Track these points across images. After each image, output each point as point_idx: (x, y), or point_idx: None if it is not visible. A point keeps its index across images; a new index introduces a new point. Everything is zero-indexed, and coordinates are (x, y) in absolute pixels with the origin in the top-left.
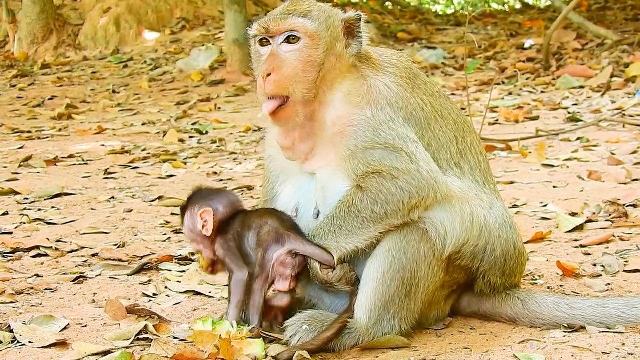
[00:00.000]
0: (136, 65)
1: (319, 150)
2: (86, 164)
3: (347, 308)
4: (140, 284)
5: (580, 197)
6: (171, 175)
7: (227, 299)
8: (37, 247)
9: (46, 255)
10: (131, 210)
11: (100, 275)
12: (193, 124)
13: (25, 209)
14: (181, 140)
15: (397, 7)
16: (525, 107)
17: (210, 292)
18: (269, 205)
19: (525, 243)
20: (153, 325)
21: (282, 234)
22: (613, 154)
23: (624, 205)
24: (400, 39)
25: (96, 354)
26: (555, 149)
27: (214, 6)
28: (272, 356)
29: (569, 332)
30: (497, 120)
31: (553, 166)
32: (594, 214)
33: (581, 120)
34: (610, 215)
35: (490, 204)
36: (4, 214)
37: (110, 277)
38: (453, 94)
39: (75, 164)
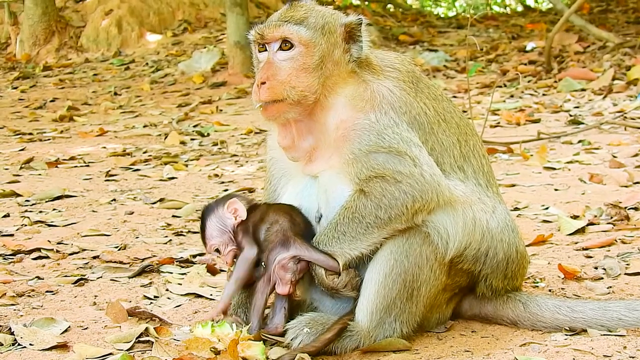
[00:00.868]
0: (138, 67)
1: (321, 153)
2: (87, 166)
3: (349, 310)
4: (141, 286)
5: (582, 199)
6: (172, 178)
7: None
8: (38, 249)
9: (47, 257)
10: (132, 213)
11: (101, 277)
12: (194, 126)
13: (26, 211)
14: (182, 143)
15: (398, 10)
16: (527, 109)
17: (211, 295)
18: None
19: (526, 246)
20: (154, 328)
21: (289, 238)
22: (614, 156)
23: (626, 207)
24: (401, 41)
25: (97, 357)
26: (557, 151)
27: (216, 8)
28: (272, 359)
29: (570, 335)
30: (498, 122)
31: (554, 169)
32: (596, 216)
33: (583, 123)
34: (611, 218)
35: (493, 208)
36: (5, 216)
37: (111, 280)
38: (455, 97)
39: (76, 166)
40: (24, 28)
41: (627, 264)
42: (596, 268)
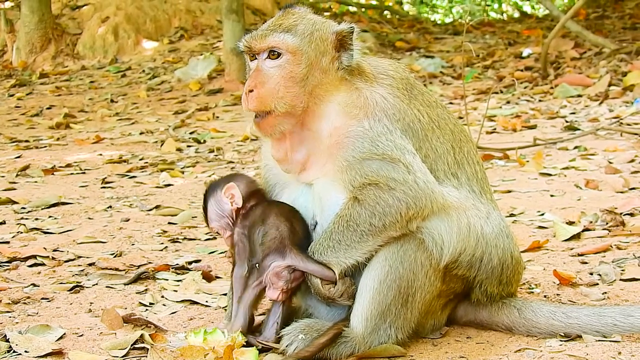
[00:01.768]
0: (134, 74)
1: (315, 161)
2: (84, 173)
3: (344, 316)
4: (136, 293)
5: (578, 205)
6: (169, 185)
7: (225, 308)
8: (34, 257)
9: (43, 264)
10: (128, 220)
11: (96, 284)
12: (191, 133)
13: (22, 218)
14: (179, 150)
15: (395, 16)
16: (523, 115)
17: (206, 302)
18: None
19: (522, 252)
20: (149, 335)
21: (285, 247)
22: (610, 162)
23: (621, 213)
24: (398, 47)
25: None
26: (553, 157)
27: (212, 15)
28: None
29: (565, 341)
30: (494, 129)
31: (550, 175)
32: (591, 222)
33: (579, 129)
34: (607, 223)
35: (487, 214)
36: (1, 223)
37: (106, 287)
38: (451, 103)
39: (72, 173)
40: (20, 35)
41: (623, 270)
42: (591, 274)
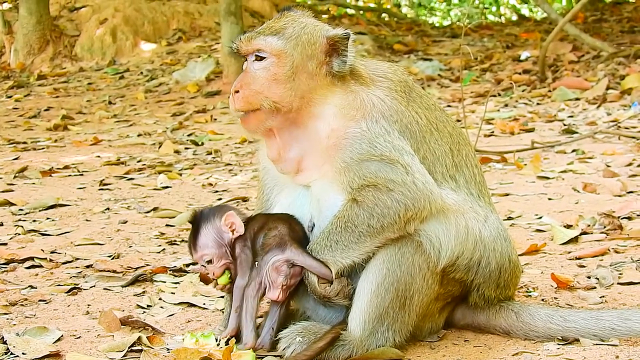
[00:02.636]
0: (132, 76)
1: (312, 162)
2: (81, 175)
3: (342, 319)
4: (134, 295)
5: (575, 209)
6: (166, 187)
7: (222, 310)
8: (32, 258)
9: (40, 266)
10: (126, 222)
11: (94, 286)
12: (189, 135)
13: (20, 220)
14: (177, 152)
15: (393, 19)
16: (521, 118)
17: (204, 304)
18: None
19: (519, 255)
20: (147, 337)
21: (285, 242)
22: (608, 166)
23: (619, 217)
24: (396, 50)
25: None
26: (551, 160)
27: (210, 17)
28: None
29: (562, 345)
30: (492, 132)
31: (548, 178)
32: (589, 226)
33: (577, 132)
34: (605, 227)
35: (485, 217)
36: None
37: (104, 289)
38: (449, 106)
39: (70, 175)
40: (18, 37)
41: (620, 274)
42: (589, 277)
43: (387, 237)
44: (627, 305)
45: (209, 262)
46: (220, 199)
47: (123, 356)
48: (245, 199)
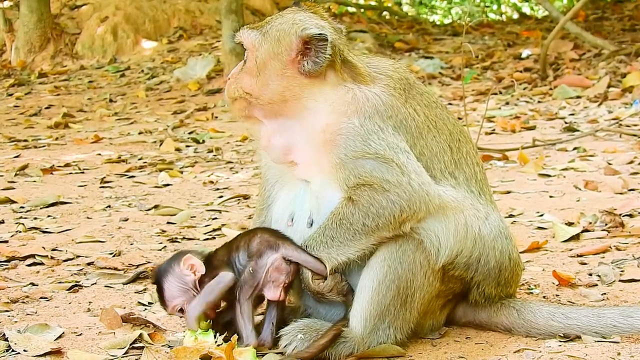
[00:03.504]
0: (133, 74)
1: (307, 155)
2: (82, 172)
3: (343, 317)
4: (135, 292)
5: (577, 206)
6: (167, 184)
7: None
8: (33, 256)
9: (41, 263)
10: (127, 219)
11: (95, 283)
12: (190, 133)
13: (21, 217)
14: (177, 149)
15: (394, 17)
16: (522, 116)
17: None
18: (264, 213)
19: (521, 252)
20: (148, 334)
21: (276, 241)
22: (610, 163)
23: (620, 215)
24: (397, 48)
25: None
26: (552, 158)
27: (211, 15)
28: None
29: (564, 342)
30: (493, 130)
31: (549, 176)
32: (590, 223)
33: (578, 130)
34: (606, 225)
35: (486, 215)
36: None
37: (105, 286)
38: (450, 104)
39: (71, 173)
40: (19, 35)
41: (622, 271)
42: (590, 275)
43: (382, 235)
44: (628, 303)
45: (181, 310)
46: (221, 197)
47: (124, 353)
48: (246, 197)
